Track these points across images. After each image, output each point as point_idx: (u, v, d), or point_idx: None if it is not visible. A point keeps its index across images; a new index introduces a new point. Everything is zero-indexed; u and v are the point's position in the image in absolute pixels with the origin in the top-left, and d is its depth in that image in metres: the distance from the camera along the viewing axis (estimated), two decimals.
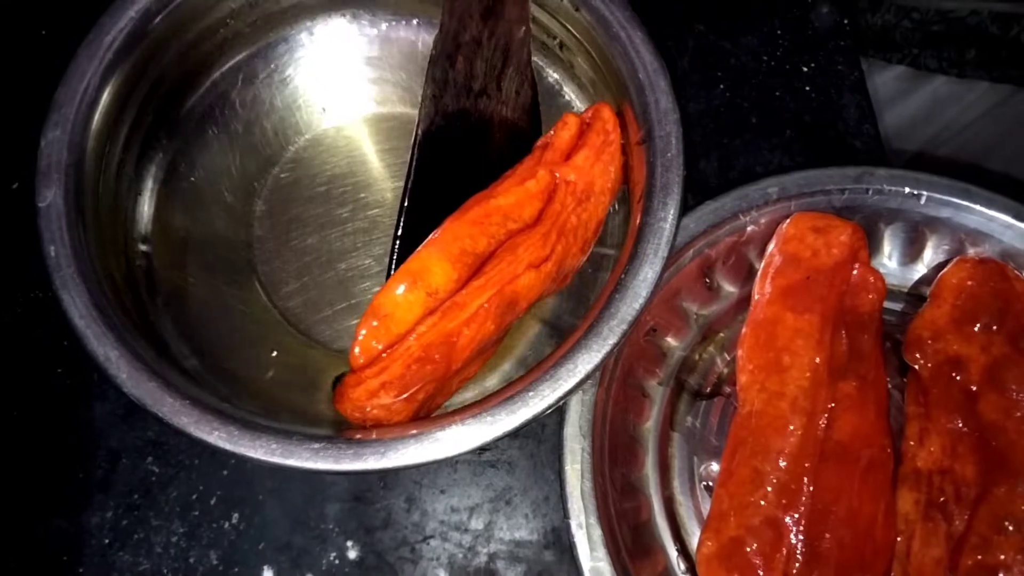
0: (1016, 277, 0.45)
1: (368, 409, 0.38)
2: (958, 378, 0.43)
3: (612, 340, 0.38)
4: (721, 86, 0.58)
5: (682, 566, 0.45)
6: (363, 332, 0.37)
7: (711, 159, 0.56)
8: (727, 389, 0.48)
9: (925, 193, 0.47)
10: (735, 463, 0.42)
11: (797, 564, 0.39)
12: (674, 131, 0.42)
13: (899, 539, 0.42)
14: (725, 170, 0.56)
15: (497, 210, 0.40)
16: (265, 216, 0.51)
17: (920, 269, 0.50)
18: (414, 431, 0.37)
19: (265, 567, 0.46)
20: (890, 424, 0.44)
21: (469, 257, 0.39)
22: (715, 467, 0.47)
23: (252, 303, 0.49)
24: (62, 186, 0.40)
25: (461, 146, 0.46)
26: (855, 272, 0.46)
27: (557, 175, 0.42)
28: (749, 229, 0.48)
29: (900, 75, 0.72)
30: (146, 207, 0.47)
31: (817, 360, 0.43)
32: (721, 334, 0.50)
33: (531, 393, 0.37)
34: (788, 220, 0.47)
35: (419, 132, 0.44)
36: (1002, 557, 0.39)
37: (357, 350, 0.38)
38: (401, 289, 0.38)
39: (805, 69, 0.59)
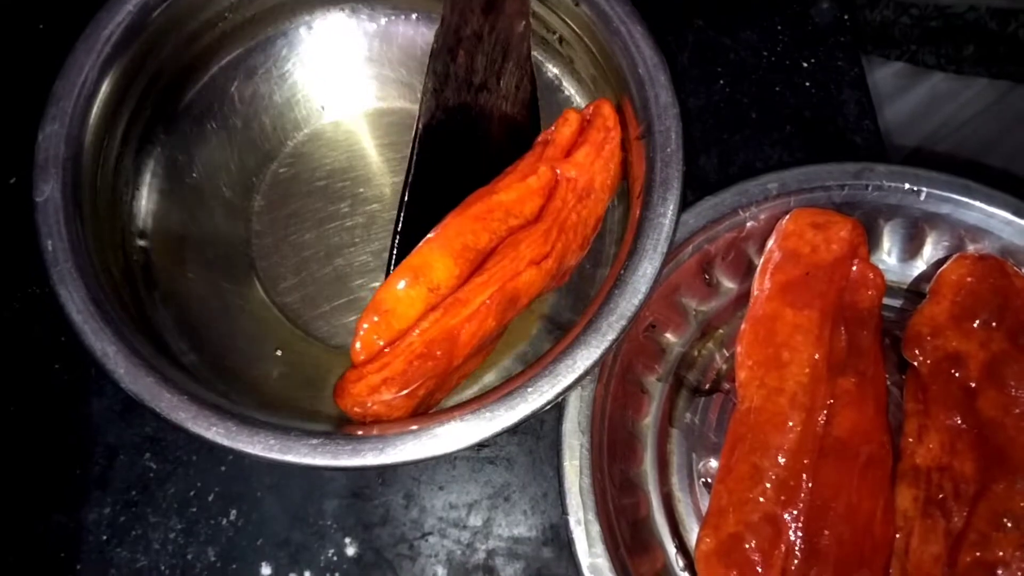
0: (1015, 273, 0.45)
1: (369, 405, 0.38)
2: (957, 374, 0.43)
3: (611, 336, 0.38)
4: (721, 81, 0.58)
5: (681, 562, 0.45)
6: (364, 327, 0.37)
7: (711, 154, 0.56)
8: (726, 385, 0.48)
9: (925, 189, 0.47)
10: (734, 459, 0.42)
11: (796, 560, 0.39)
12: (674, 126, 0.42)
13: (898, 536, 0.42)
14: (725, 165, 0.55)
15: (499, 206, 0.40)
16: (264, 211, 0.51)
17: (919, 265, 0.50)
18: (413, 427, 0.37)
19: (263, 563, 0.46)
20: (889, 420, 0.44)
21: (471, 253, 0.39)
22: (714, 463, 0.47)
23: (250, 299, 0.48)
24: (60, 180, 0.40)
25: (461, 140, 0.46)
26: (854, 268, 0.45)
27: (558, 171, 0.42)
28: (748, 225, 0.48)
29: (899, 71, 0.72)
30: (144, 202, 0.47)
31: (816, 356, 0.43)
32: (720, 330, 0.50)
33: (530, 389, 0.37)
34: (787, 216, 0.47)
35: (420, 126, 0.44)
36: (1001, 554, 0.39)
37: (358, 345, 0.37)
38: (403, 284, 0.38)
39: (805, 65, 0.58)
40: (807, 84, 0.58)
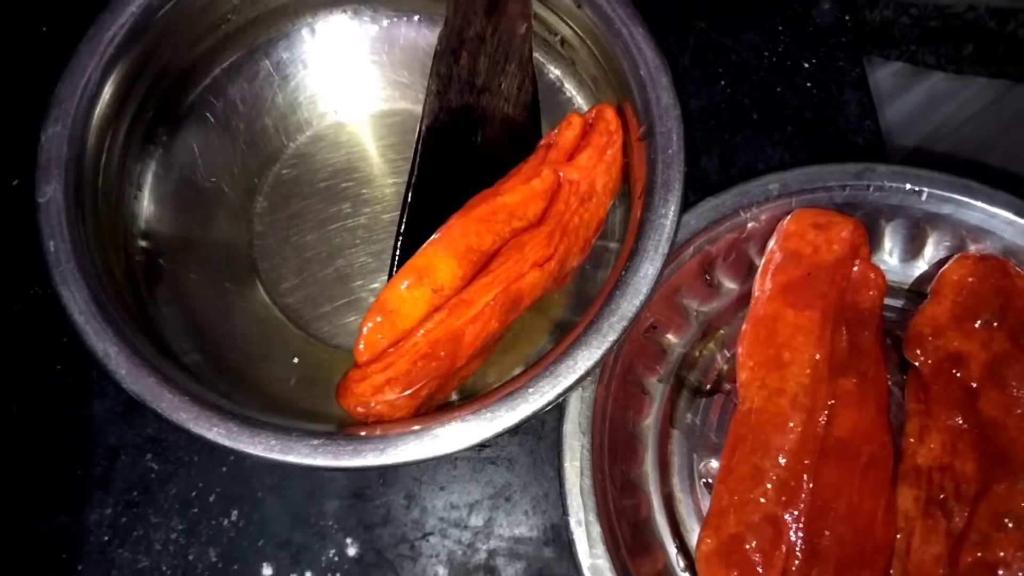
0: (1017, 274, 0.45)
1: (372, 404, 0.38)
2: (958, 375, 0.43)
3: (612, 337, 0.38)
4: (722, 82, 0.58)
5: (681, 563, 0.45)
6: (368, 327, 0.38)
7: (712, 155, 0.56)
8: (727, 386, 0.48)
9: (926, 189, 0.47)
10: (735, 460, 0.42)
11: (797, 561, 0.39)
12: (675, 127, 0.42)
13: (899, 536, 0.42)
14: (726, 166, 0.56)
15: (503, 208, 0.41)
16: (266, 213, 0.51)
17: (921, 266, 0.50)
18: (414, 427, 0.37)
19: (264, 564, 0.46)
20: (890, 421, 0.44)
21: (475, 254, 0.39)
22: (715, 464, 0.46)
23: (252, 299, 0.49)
24: (62, 181, 0.40)
25: (463, 142, 0.46)
26: (856, 268, 0.45)
27: (561, 174, 0.42)
28: (750, 226, 0.48)
29: (898, 71, 0.72)
30: (146, 203, 0.47)
31: (817, 356, 0.43)
32: (721, 331, 0.50)
33: (531, 389, 0.37)
34: (789, 216, 0.47)
35: (423, 127, 0.44)
36: (1002, 554, 0.39)
37: (362, 345, 0.38)
38: (407, 285, 0.38)
39: (806, 65, 0.58)
40: (808, 85, 0.58)
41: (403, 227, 0.43)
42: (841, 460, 0.41)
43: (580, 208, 0.42)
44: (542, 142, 0.44)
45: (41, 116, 0.41)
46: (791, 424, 0.42)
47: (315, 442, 0.36)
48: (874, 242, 0.49)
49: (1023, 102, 0.68)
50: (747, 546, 0.40)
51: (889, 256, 0.50)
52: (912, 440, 0.43)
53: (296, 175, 0.52)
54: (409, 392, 0.38)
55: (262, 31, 0.51)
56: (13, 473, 0.48)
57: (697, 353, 0.49)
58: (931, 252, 0.49)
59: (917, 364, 0.45)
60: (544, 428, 0.49)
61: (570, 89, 0.51)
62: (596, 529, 0.41)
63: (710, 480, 0.46)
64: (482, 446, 0.45)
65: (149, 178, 0.47)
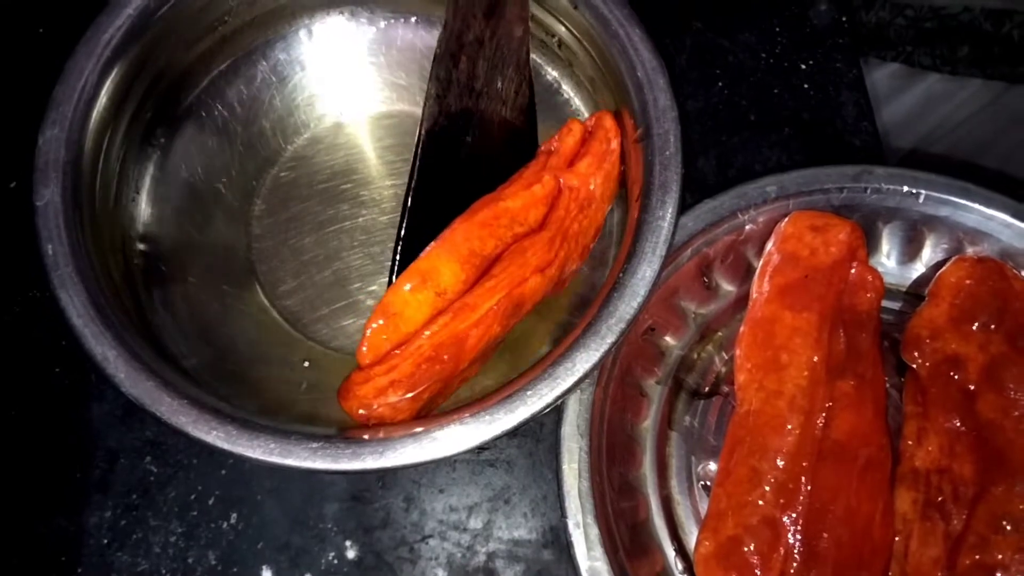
0: (1015, 276, 0.45)
1: (375, 407, 0.38)
2: (956, 377, 0.43)
3: (610, 339, 0.38)
4: (719, 84, 0.58)
5: (680, 566, 0.45)
6: (371, 329, 0.38)
7: (709, 157, 0.56)
8: (725, 388, 0.48)
9: (924, 192, 0.47)
10: (733, 462, 0.42)
11: (795, 564, 0.39)
12: (672, 129, 0.42)
13: (897, 539, 0.42)
14: (724, 168, 0.56)
15: (505, 212, 0.41)
16: (264, 215, 0.51)
17: (918, 268, 0.50)
18: (413, 430, 0.37)
19: (264, 567, 0.46)
20: (888, 423, 0.44)
21: (477, 259, 0.40)
22: (713, 466, 0.47)
23: (250, 302, 0.49)
24: (60, 184, 0.40)
25: (463, 146, 0.46)
26: (853, 271, 0.46)
27: (561, 181, 0.42)
28: (747, 228, 0.48)
29: (894, 72, 0.72)
30: (144, 206, 0.47)
31: (815, 359, 0.43)
32: (719, 333, 0.50)
33: (529, 392, 0.37)
34: (786, 219, 0.47)
35: (422, 131, 0.44)
36: (1000, 556, 0.39)
37: (365, 347, 0.38)
38: (410, 288, 0.38)
39: (803, 67, 0.58)
40: (805, 86, 0.58)
41: (403, 232, 0.43)
42: (839, 462, 0.41)
43: (579, 214, 0.43)
44: (542, 147, 0.45)
45: (39, 118, 0.41)
46: (789, 426, 0.42)
47: (314, 445, 0.36)
48: (872, 244, 0.49)
49: (1018, 104, 0.69)
50: (745, 548, 0.40)
51: (887, 258, 0.50)
52: (910, 442, 0.43)
53: (294, 177, 0.52)
54: (412, 395, 0.38)
55: (259, 33, 0.51)
56: (12, 475, 0.48)
57: (695, 355, 0.49)
58: (928, 254, 0.49)
59: (915, 366, 0.45)
60: (543, 430, 0.49)
61: (567, 90, 0.51)
62: (594, 531, 0.41)
63: (708, 482, 0.46)
64: (481, 448, 0.45)
65: (147, 181, 0.47)
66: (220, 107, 0.50)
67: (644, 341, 0.48)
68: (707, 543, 0.41)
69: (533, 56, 0.49)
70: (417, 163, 0.44)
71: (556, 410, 0.42)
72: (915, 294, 0.49)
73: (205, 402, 0.37)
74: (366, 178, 0.52)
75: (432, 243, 0.39)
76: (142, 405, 0.37)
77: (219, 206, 0.50)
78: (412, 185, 0.44)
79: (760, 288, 0.46)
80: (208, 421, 0.37)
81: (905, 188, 0.47)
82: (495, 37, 0.46)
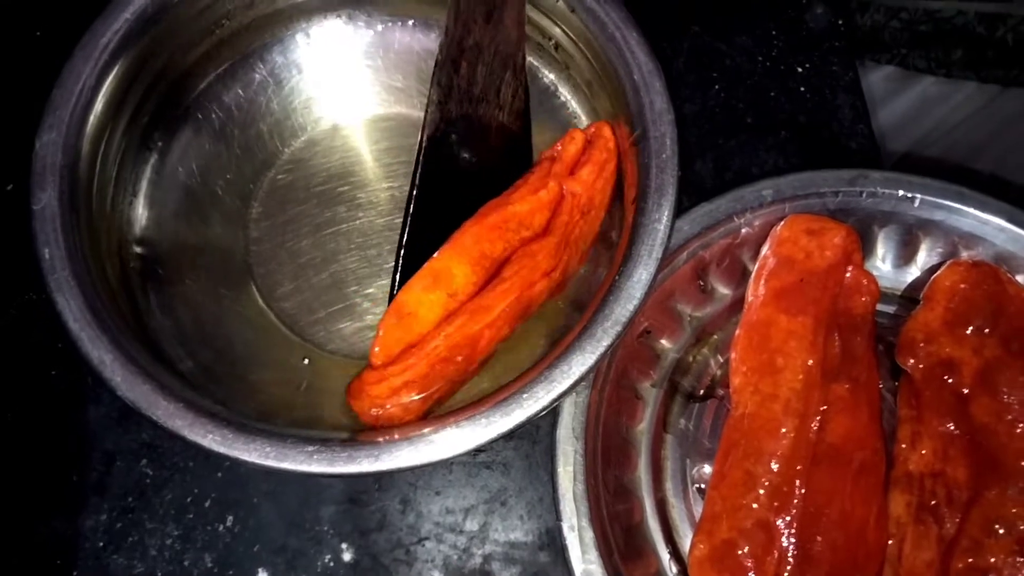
0: (1009, 280, 0.46)
1: (388, 406, 0.38)
2: (950, 381, 0.43)
3: (606, 342, 0.38)
4: (716, 87, 0.58)
5: (674, 569, 0.45)
6: (384, 329, 0.38)
7: (706, 160, 0.56)
8: (720, 391, 0.48)
9: (919, 196, 0.47)
10: (727, 465, 0.42)
11: (789, 567, 0.40)
12: (669, 132, 0.42)
13: (891, 542, 0.42)
14: (720, 171, 0.56)
15: (513, 216, 0.42)
16: (261, 218, 0.51)
17: (913, 272, 0.50)
18: (410, 433, 0.37)
19: (260, 569, 0.46)
20: (882, 427, 0.44)
21: (487, 261, 0.40)
22: (708, 469, 0.47)
23: (248, 305, 0.49)
24: (57, 188, 0.40)
25: (463, 151, 0.46)
26: (848, 274, 0.46)
27: (564, 187, 0.43)
28: (744, 231, 0.48)
29: (889, 75, 0.72)
30: (141, 209, 0.47)
31: (810, 362, 0.43)
32: (715, 336, 0.50)
33: (525, 395, 0.37)
34: (782, 222, 0.47)
35: (424, 138, 0.45)
36: (993, 560, 0.39)
37: (378, 348, 0.38)
38: (424, 288, 0.39)
39: (800, 70, 0.59)
40: (802, 89, 0.58)
41: (406, 237, 0.44)
42: (833, 466, 0.41)
43: (580, 221, 0.43)
44: (545, 154, 0.45)
45: (36, 122, 0.41)
46: (784, 430, 0.42)
47: (310, 449, 0.36)
48: (867, 248, 0.49)
49: (1012, 107, 0.69)
50: (739, 551, 0.40)
51: (882, 262, 0.50)
52: (904, 446, 0.44)
53: (291, 180, 0.52)
54: (424, 395, 0.38)
55: (257, 36, 0.50)
56: (9, 478, 0.48)
57: (691, 358, 0.49)
58: (923, 258, 0.49)
59: (909, 370, 0.45)
60: (539, 433, 0.49)
61: (564, 93, 0.51)
62: (589, 534, 0.41)
63: (703, 485, 0.46)
64: (477, 451, 0.45)
65: (144, 184, 0.47)
66: (217, 110, 0.50)
67: (640, 344, 0.48)
68: (701, 546, 0.41)
69: (530, 59, 0.49)
70: (419, 169, 0.44)
71: (552, 413, 0.43)
72: (910, 298, 0.50)
73: (201, 406, 0.37)
74: (363, 181, 0.52)
75: (444, 245, 0.40)
76: (138, 409, 0.37)
77: (216, 209, 0.50)
78: (414, 192, 0.44)
79: (756, 291, 0.46)
80: (204, 425, 0.37)
81: (900, 192, 0.47)
82: (494, 42, 0.46)
